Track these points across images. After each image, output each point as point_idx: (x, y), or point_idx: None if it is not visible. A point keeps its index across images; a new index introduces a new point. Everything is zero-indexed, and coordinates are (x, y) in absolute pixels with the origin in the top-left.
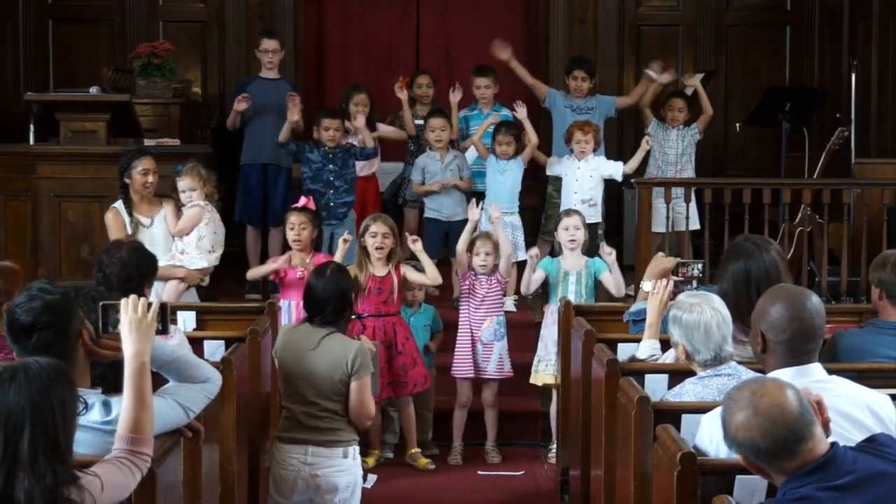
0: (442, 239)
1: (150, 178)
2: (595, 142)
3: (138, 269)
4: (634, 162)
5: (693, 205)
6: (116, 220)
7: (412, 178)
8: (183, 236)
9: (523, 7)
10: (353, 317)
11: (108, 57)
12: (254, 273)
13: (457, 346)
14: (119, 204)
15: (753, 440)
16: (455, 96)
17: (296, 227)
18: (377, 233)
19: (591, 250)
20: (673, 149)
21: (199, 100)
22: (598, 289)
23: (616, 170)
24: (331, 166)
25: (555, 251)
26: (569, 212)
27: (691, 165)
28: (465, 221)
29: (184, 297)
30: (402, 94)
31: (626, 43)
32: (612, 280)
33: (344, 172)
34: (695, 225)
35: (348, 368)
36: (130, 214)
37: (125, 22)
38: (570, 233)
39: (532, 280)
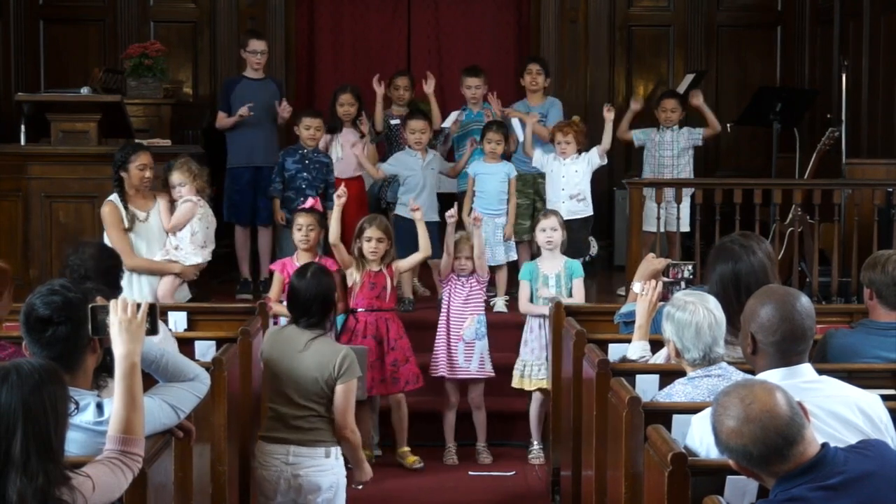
0: (413, 238)
1: (147, 174)
2: (577, 142)
3: (109, 260)
4: (606, 137)
5: (686, 206)
6: (114, 213)
7: (383, 166)
8: (176, 232)
9: (514, 8)
10: (346, 312)
11: (100, 57)
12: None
13: (435, 345)
14: (115, 198)
15: (745, 447)
16: (429, 87)
17: (303, 228)
18: (371, 237)
19: (578, 248)
20: (668, 150)
21: (190, 100)
22: None
23: (594, 156)
24: (305, 174)
25: (534, 253)
26: (546, 213)
27: (689, 168)
28: (437, 223)
29: (177, 293)
30: (379, 89)
31: (618, 43)
32: (577, 294)
33: (317, 184)
34: (685, 227)
35: (335, 372)
36: (126, 208)
37: (116, 22)
38: (546, 234)
39: (523, 299)
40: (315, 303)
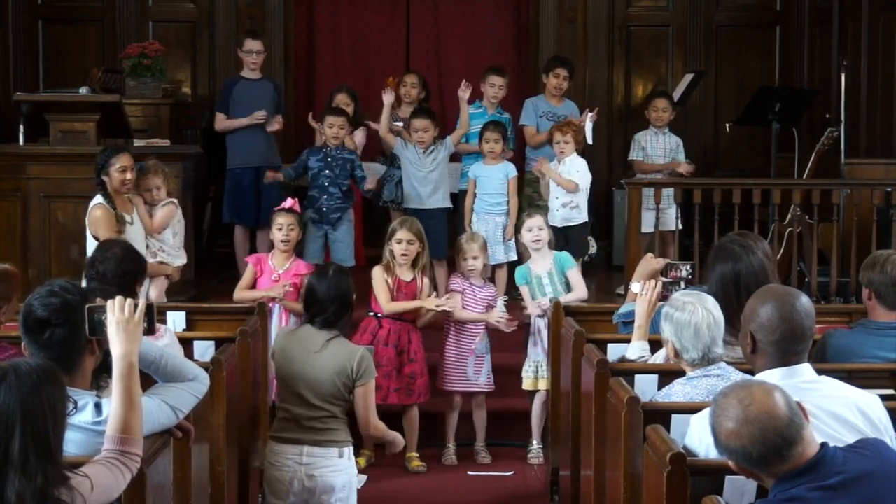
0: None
1: (129, 175)
2: (576, 141)
3: (132, 265)
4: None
5: (671, 207)
6: (108, 215)
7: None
8: (157, 234)
9: (513, 8)
10: (371, 315)
11: (98, 57)
12: (241, 296)
13: (445, 359)
14: (103, 200)
15: (745, 448)
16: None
17: (284, 227)
18: (402, 239)
19: (578, 249)
20: (661, 153)
21: (189, 100)
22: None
23: (585, 179)
24: (327, 171)
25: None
26: (530, 212)
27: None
28: (440, 209)
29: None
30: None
31: (617, 43)
32: (574, 296)
33: (339, 181)
34: (670, 226)
35: (353, 374)
36: (114, 212)
37: (115, 22)
38: (533, 234)
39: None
40: (333, 304)
